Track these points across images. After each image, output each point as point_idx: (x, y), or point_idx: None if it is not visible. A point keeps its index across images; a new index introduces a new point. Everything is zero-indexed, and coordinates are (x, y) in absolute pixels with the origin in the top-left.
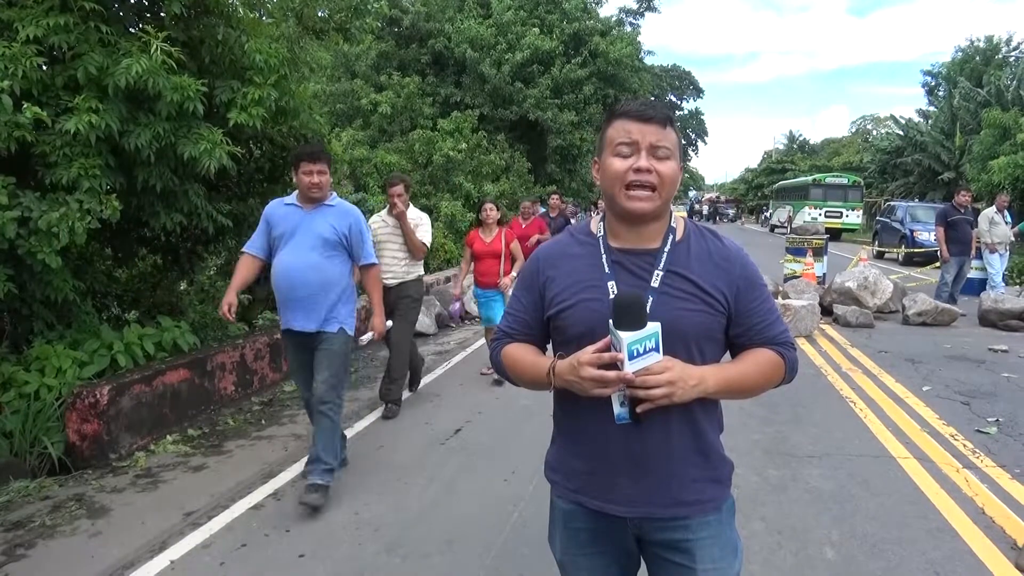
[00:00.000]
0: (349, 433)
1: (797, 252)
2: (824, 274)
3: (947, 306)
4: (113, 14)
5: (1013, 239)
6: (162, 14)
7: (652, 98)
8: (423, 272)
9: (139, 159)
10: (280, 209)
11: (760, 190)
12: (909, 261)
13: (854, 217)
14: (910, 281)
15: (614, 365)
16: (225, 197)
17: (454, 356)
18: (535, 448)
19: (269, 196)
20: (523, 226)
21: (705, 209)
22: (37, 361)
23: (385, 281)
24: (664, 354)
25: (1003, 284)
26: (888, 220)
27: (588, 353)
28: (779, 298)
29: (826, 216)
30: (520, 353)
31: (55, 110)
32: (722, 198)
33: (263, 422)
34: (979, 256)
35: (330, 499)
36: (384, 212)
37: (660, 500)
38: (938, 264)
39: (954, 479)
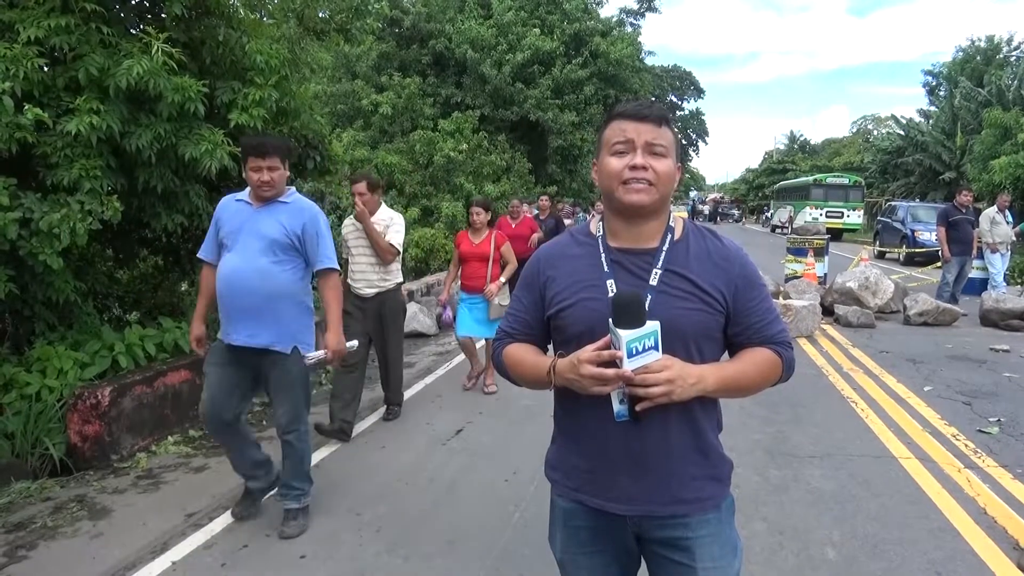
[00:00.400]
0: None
1: (798, 252)
2: (825, 274)
3: (948, 306)
4: (114, 15)
5: (1014, 239)
6: (163, 15)
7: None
8: (401, 279)
9: (140, 160)
10: (231, 206)
11: (761, 190)
12: (910, 261)
13: (855, 217)
14: (911, 281)
15: (613, 363)
16: None
17: (455, 357)
18: (536, 449)
19: None
20: (512, 226)
21: (706, 210)
22: (38, 362)
23: (361, 291)
24: (663, 353)
25: (1004, 284)
26: (889, 220)
27: (588, 351)
28: (780, 298)
29: (827, 216)
30: (521, 353)
31: (56, 111)
32: (726, 199)
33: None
34: (980, 256)
35: (331, 500)
36: None
37: (660, 498)
38: (939, 264)
39: (956, 479)
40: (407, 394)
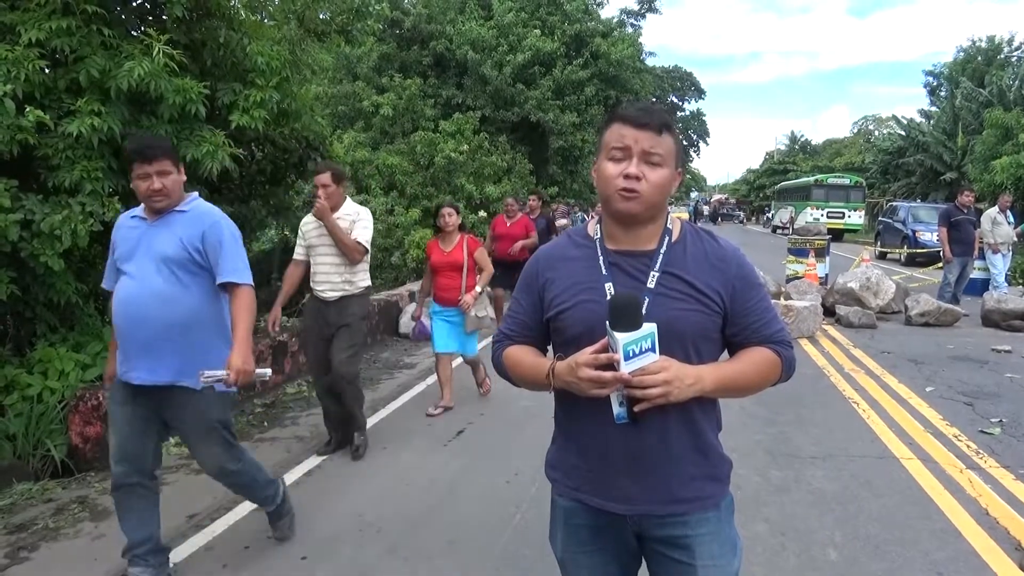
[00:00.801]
0: None
1: (799, 253)
2: (826, 275)
3: (950, 306)
4: (115, 17)
5: (1016, 239)
6: (164, 17)
7: (653, 100)
8: (369, 283)
9: None
10: (126, 224)
11: (762, 191)
12: (911, 261)
13: (856, 218)
14: (912, 282)
15: (611, 366)
16: (227, 199)
17: (456, 357)
18: (537, 450)
19: (271, 198)
20: (507, 224)
21: (706, 210)
22: (40, 364)
23: (323, 294)
24: (661, 354)
25: (1006, 284)
26: (890, 220)
27: (586, 354)
28: (782, 299)
29: (828, 217)
30: (520, 355)
31: (57, 113)
32: (731, 200)
33: (265, 424)
34: (982, 256)
35: (332, 501)
36: None
37: (659, 498)
38: (940, 264)
39: (958, 480)
40: (406, 396)
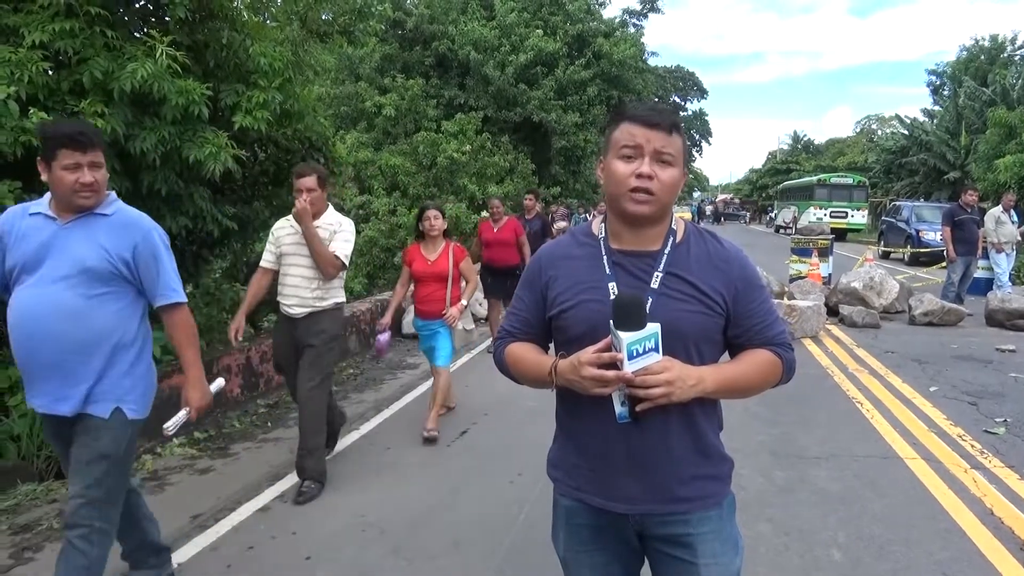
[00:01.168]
0: (355, 436)
1: (802, 252)
2: (830, 274)
3: (953, 306)
4: (118, 19)
5: (1020, 238)
6: (167, 18)
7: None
8: (343, 299)
9: (144, 163)
10: (20, 221)
11: (765, 190)
12: (915, 261)
13: (859, 217)
14: (916, 281)
15: (614, 365)
16: (230, 200)
17: (457, 358)
18: (540, 450)
19: (274, 199)
20: (495, 230)
21: (709, 210)
22: None
23: (290, 309)
24: (663, 354)
25: (1010, 284)
26: (894, 220)
27: (588, 353)
28: (785, 299)
29: (831, 216)
30: (522, 352)
31: (61, 114)
32: (736, 200)
33: (269, 424)
34: (985, 256)
35: (336, 502)
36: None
37: (660, 497)
38: (944, 264)
39: (962, 480)
40: (409, 396)
